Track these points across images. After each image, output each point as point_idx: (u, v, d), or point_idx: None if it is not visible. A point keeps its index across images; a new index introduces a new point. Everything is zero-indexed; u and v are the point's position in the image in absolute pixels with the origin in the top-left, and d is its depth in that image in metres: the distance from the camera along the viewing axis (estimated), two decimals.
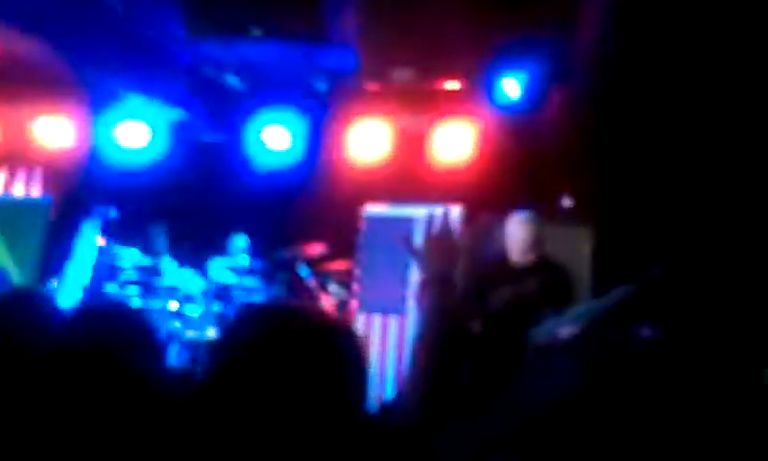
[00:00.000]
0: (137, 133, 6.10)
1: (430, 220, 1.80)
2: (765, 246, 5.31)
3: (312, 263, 5.46)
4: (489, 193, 5.28)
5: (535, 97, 4.90)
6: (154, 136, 6.12)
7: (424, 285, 1.66)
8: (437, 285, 1.64)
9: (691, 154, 5.25)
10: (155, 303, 5.10)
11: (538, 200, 5.23)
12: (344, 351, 1.13)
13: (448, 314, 1.59)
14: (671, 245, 5.26)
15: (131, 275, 5.26)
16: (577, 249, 5.34)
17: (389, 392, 5.17)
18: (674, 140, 5.20)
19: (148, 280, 5.25)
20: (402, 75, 5.10)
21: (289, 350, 1.07)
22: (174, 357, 5.00)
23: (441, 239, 1.74)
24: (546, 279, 3.85)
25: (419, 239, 1.78)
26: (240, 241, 5.53)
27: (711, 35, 4.32)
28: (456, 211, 5.30)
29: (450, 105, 5.41)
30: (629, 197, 5.38)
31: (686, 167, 5.30)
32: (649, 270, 3.67)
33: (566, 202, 5.47)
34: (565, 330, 3.62)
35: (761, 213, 5.30)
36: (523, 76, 4.88)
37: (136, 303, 5.05)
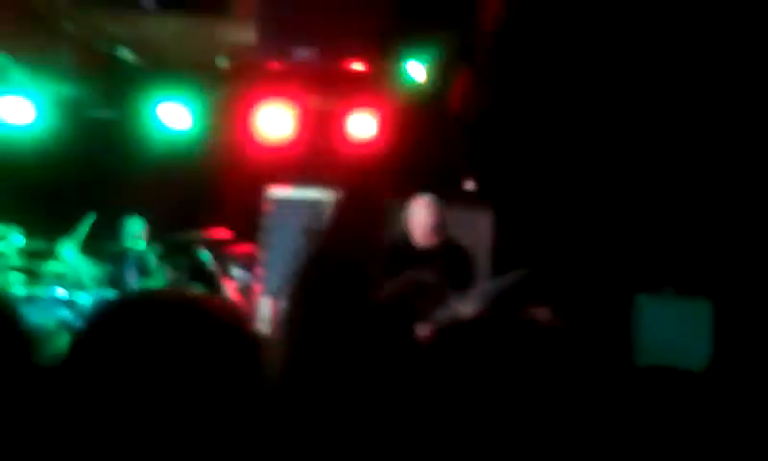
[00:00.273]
0: (22, 108, 5.68)
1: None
2: (656, 228, 5.60)
3: (213, 247, 5.29)
4: (394, 175, 5.27)
5: (439, 80, 4.92)
6: (39, 112, 5.72)
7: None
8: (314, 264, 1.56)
9: (591, 139, 5.45)
10: (40, 291, 4.79)
11: (441, 182, 5.29)
12: (223, 349, 1.03)
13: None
14: (569, 229, 5.46)
15: (13, 260, 4.91)
16: (478, 231, 5.44)
17: None
18: (574, 125, 5.38)
19: (33, 266, 4.91)
20: (302, 53, 4.99)
21: (154, 348, 0.98)
22: (65, 347, 4.72)
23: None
24: (449, 261, 3.88)
25: (324, 219, 1.72)
26: (135, 224, 5.28)
27: (608, 20, 4.48)
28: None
29: (356, 86, 5.35)
30: (530, 180, 5.53)
31: (586, 152, 5.50)
32: (546, 253, 3.79)
33: (469, 184, 5.55)
34: (467, 310, 3.67)
35: (650, 197, 5.58)
36: (427, 58, 4.89)
37: (19, 290, 4.72)
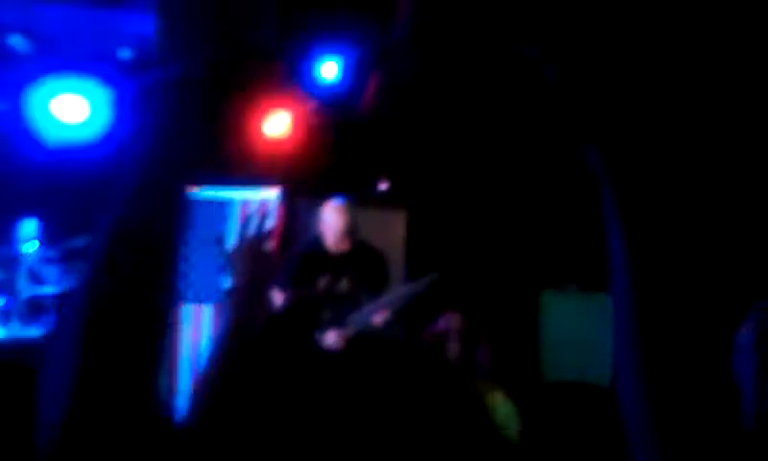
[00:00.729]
0: None
1: (246, 222, 1.65)
2: (560, 226, 5.77)
3: None
4: (306, 175, 5.19)
5: (351, 81, 4.87)
6: None
7: (232, 293, 1.52)
8: (244, 295, 1.51)
9: (504, 141, 5.55)
10: None
11: (354, 183, 5.25)
12: None
13: (248, 326, 1.46)
14: (481, 230, 5.55)
15: None
16: (392, 232, 5.44)
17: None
18: (485, 128, 5.46)
19: None
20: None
21: None
22: None
23: (255, 244, 1.60)
24: (362, 265, 3.85)
25: (233, 223, 1.64)
26: (28, 227, 4.93)
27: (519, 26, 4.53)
28: (274, 194, 5.15)
29: (267, 84, 5.21)
30: (441, 180, 5.57)
31: (495, 151, 5.59)
32: (457, 256, 3.82)
33: (382, 185, 5.54)
34: (378, 317, 3.66)
35: (555, 196, 5.75)
36: (340, 59, 4.83)
37: None
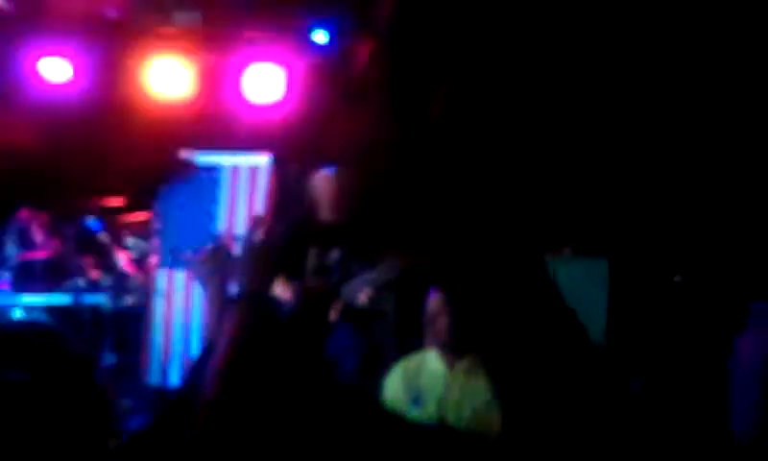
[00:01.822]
0: None
1: (253, 226, 1.61)
2: (553, 192, 5.72)
3: (104, 215, 4.95)
4: (298, 141, 5.09)
5: (343, 47, 4.75)
6: None
7: (236, 300, 1.47)
8: (249, 304, 1.46)
9: (499, 103, 5.45)
10: None
11: (347, 149, 5.17)
12: None
13: (253, 335, 1.42)
14: (475, 195, 5.49)
15: None
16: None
17: (194, 350, 4.91)
18: (480, 90, 5.36)
19: None
20: (184, 18, 4.66)
21: None
22: None
23: (261, 250, 1.55)
24: (355, 236, 3.80)
25: (224, 190, 1.61)
26: None
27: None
28: (265, 160, 5.06)
29: (257, 48, 5.07)
30: (439, 148, 5.48)
31: (494, 115, 5.50)
32: (451, 216, 3.76)
33: None
34: (362, 296, 3.64)
35: (547, 162, 5.68)
36: (330, 25, 4.70)
37: None
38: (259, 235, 1.53)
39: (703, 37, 4.78)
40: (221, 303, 1.51)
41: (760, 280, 5.14)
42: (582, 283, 5.69)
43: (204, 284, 1.53)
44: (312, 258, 3.76)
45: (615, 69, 5.21)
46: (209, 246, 1.55)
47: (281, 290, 3.74)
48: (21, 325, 3.78)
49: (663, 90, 5.28)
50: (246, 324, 1.41)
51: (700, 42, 4.84)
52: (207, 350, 1.44)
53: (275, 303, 1.49)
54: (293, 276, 3.75)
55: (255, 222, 1.54)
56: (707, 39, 4.79)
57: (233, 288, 1.55)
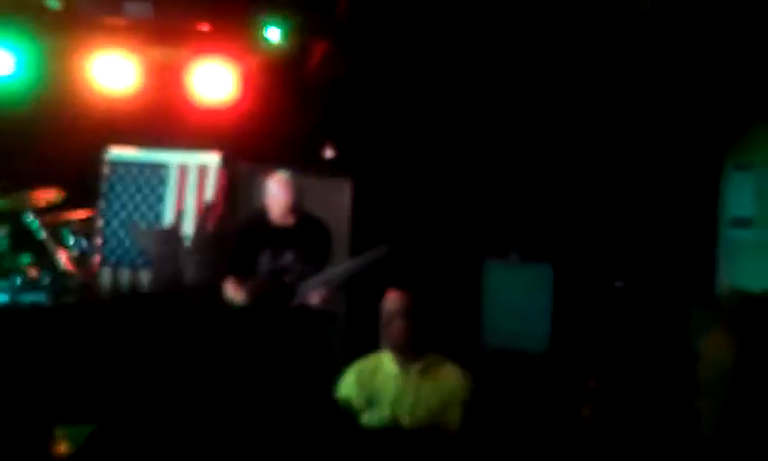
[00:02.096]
0: None
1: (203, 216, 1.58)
2: (502, 198, 5.82)
3: (43, 212, 4.75)
4: (249, 140, 5.02)
5: (296, 46, 4.71)
6: None
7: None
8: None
9: (443, 109, 5.50)
10: None
11: (300, 149, 5.12)
12: None
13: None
14: (427, 199, 5.53)
15: None
16: (337, 200, 5.36)
17: None
18: (428, 93, 5.40)
19: None
20: (134, 9, 4.54)
21: None
22: None
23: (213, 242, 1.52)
24: (307, 238, 3.76)
25: (171, 188, 1.57)
26: None
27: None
28: (214, 159, 4.96)
29: (208, 43, 4.97)
30: (388, 151, 5.50)
31: (438, 121, 5.55)
32: (402, 229, 3.78)
33: (328, 152, 5.42)
34: (315, 297, 3.62)
35: (498, 168, 5.77)
36: (284, 24, 4.65)
37: None
38: (209, 226, 1.49)
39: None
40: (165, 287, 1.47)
41: (700, 285, 5.34)
42: (528, 289, 5.81)
43: (152, 261, 1.48)
44: (266, 260, 3.71)
45: (556, 82, 5.33)
46: (162, 225, 1.51)
47: (233, 290, 3.68)
48: None
49: (605, 99, 5.43)
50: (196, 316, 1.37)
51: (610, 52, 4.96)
52: None
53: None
54: (245, 276, 3.69)
55: (205, 211, 1.50)
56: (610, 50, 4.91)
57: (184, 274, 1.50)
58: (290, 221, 3.78)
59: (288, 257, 3.71)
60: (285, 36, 4.71)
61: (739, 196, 5.50)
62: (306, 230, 3.78)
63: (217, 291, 3.69)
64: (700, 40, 4.53)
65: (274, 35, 4.71)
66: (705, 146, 5.50)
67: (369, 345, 2.93)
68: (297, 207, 3.77)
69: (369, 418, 2.65)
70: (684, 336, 4.82)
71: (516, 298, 5.78)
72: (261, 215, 3.80)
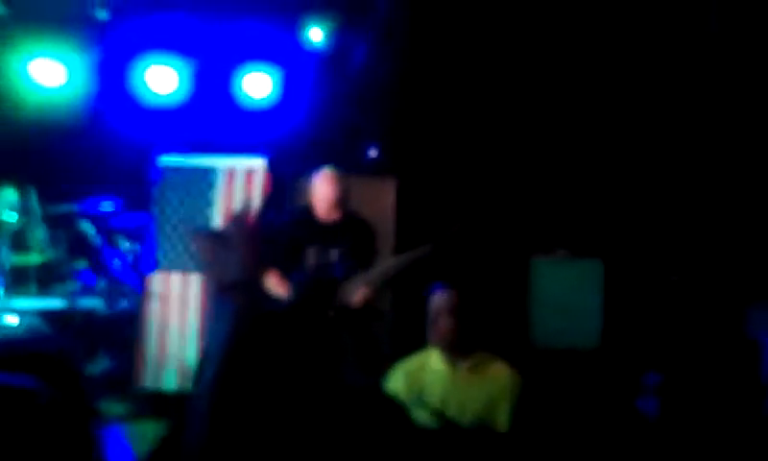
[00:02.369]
0: None
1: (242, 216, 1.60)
2: (548, 195, 5.73)
3: (98, 218, 4.89)
4: (294, 142, 5.06)
5: (340, 45, 4.72)
6: None
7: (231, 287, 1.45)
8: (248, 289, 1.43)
9: (489, 107, 5.45)
10: None
11: (344, 150, 5.14)
12: None
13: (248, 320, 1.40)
14: (472, 197, 5.49)
15: None
16: (382, 199, 5.36)
17: (191, 352, 4.86)
18: (477, 94, 5.36)
19: None
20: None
21: None
22: None
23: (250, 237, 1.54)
24: (352, 236, 3.78)
25: (220, 192, 1.60)
26: (8, 194, 4.79)
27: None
28: (260, 162, 5.02)
29: (252, 46, 5.04)
30: (432, 149, 5.48)
31: (485, 120, 5.50)
32: (447, 226, 3.77)
33: (372, 152, 5.43)
34: (359, 295, 3.63)
35: (544, 165, 5.69)
36: (327, 23, 4.67)
37: None
38: (248, 227, 1.50)
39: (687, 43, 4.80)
40: (219, 287, 1.49)
41: (756, 281, 5.16)
42: (578, 285, 5.71)
43: (203, 263, 1.51)
44: (312, 257, 3.73)
45: (608, 73, 5.23)
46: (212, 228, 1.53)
47: (275, 284, 3.71)
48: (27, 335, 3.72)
49: (657, 94, 5.30)
50: (242, 311, 1.38)
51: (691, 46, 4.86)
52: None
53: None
54: (291, 272, 3.72)
55: (244, 212, 1.51)
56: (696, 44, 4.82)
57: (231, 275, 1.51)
58: (336, 217, 3.80)
59: (334, 254, 3.72)
60: (327, 36, 4.74)
61: None
62: (352, 229, 3.80)
63: (258, 285, 3.72)
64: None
65: (316, 35, 4.74)
66: (764, 140, 5.32)
67: (415, 343, 2.92)
68: (342, 203, 3.79)
69: (417, 416, 2.64)
70: (741, 331, 4.67)
71: (565, 294, 5.68)
72: (308, 211, 3.84)
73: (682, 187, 5.59)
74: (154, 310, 4.89)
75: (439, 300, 2.77)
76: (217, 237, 4.48)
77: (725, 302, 5.08)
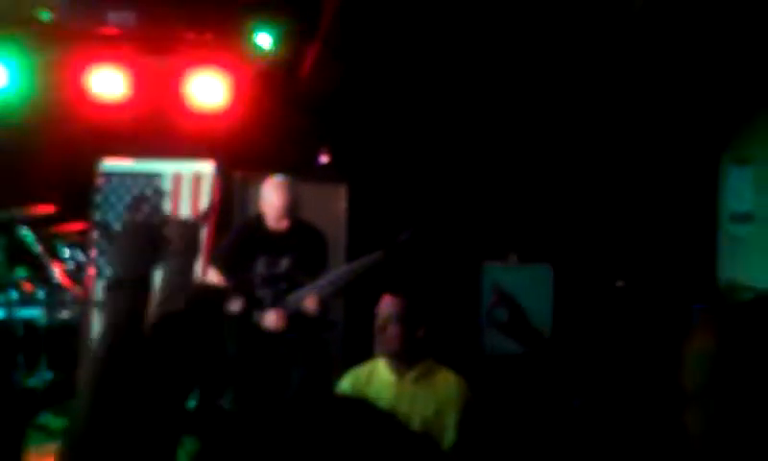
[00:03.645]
0: None
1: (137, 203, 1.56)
2: (499, 200, 5.78)
3: (37, 225, 4.73)
4: (243, 147, 4.99)
5: (288, 52, 4.68)
6: None
7: (116, 285, 1.38)
8: (134, 287, 1.36)
9: (438, 112, 5.47)
10: None
11: (294, 156, 5.09)
12: None
13: (138, 320, 1.32)
14: (421, 204, 5.49)
15: None
16: (333, 206, 5.33)
17: None
18: (423, 97, 5.37)
19: None
20: (121, 17, 4.51)
21: None
22: None
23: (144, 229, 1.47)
24: (301, 246, 3.73)
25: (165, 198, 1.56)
26: None
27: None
28: (208, 167, 4.93)
29: (199, 51, 4.95)
30: (384, 153, 5.48)
31: (434, 125, 5.52)
32: (399, 232, 3.75)
33: (323, 158, 5.40)
34: (311, 303, 3.59)
35: (495, 171, 5.74)
36: (276, 29, 4.62)
37: None
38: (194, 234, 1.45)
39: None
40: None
41: (701, 283, 5.30)
42: (527, 290, 5.77)
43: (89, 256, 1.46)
44: (262, 266, 3.68)
45: (551, 82, 5.29)
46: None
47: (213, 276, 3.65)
48: None
49: (600, 97, 5.40)
50: (124, 310, 1.31)
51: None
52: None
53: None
54: (239, 282, 3.66)
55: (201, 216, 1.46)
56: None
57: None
58: (285, 226, 3.75)
59: (283, 265, 3.68)
60: (276, 42, 4.69)
61: (738, 191, 5.46)
62: (302, 237, 3.76)
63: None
64: (696, 35, 4.49)
65: (264, 41, 4.68)
66: (702, 141, 5.47)
67: (367, 352, 2.89)
68: (292, 211, 3.74)
69: None
70: (686, 334, 4.78)
71: (516, 299, 5.73)
72: (257, 221, 3.78)
73: (629, 194, 5.71)
74: (97, 320, 4.74)
75: (386, 307, 2.75)
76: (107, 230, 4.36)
77: (670, 305, 5.20)
